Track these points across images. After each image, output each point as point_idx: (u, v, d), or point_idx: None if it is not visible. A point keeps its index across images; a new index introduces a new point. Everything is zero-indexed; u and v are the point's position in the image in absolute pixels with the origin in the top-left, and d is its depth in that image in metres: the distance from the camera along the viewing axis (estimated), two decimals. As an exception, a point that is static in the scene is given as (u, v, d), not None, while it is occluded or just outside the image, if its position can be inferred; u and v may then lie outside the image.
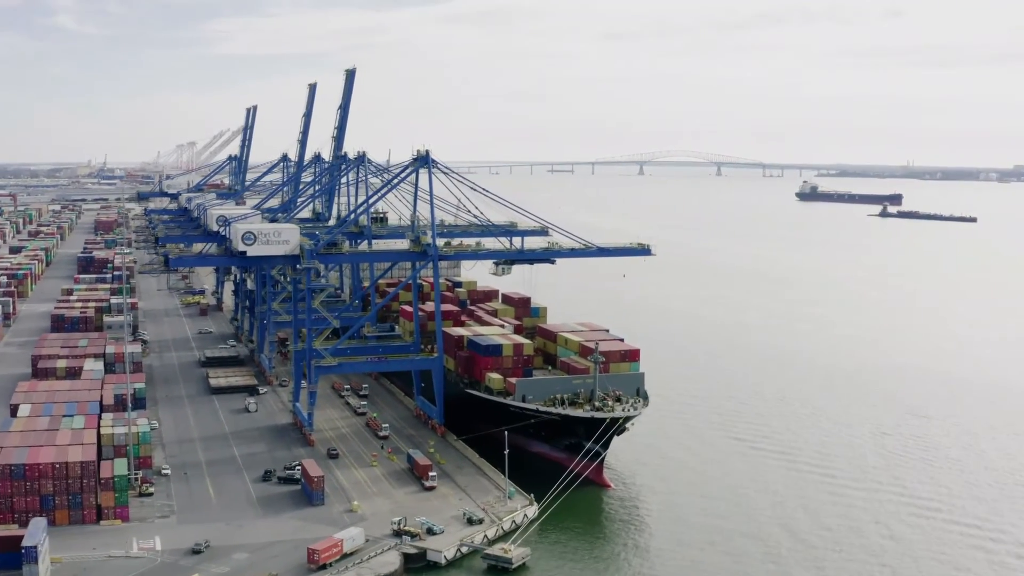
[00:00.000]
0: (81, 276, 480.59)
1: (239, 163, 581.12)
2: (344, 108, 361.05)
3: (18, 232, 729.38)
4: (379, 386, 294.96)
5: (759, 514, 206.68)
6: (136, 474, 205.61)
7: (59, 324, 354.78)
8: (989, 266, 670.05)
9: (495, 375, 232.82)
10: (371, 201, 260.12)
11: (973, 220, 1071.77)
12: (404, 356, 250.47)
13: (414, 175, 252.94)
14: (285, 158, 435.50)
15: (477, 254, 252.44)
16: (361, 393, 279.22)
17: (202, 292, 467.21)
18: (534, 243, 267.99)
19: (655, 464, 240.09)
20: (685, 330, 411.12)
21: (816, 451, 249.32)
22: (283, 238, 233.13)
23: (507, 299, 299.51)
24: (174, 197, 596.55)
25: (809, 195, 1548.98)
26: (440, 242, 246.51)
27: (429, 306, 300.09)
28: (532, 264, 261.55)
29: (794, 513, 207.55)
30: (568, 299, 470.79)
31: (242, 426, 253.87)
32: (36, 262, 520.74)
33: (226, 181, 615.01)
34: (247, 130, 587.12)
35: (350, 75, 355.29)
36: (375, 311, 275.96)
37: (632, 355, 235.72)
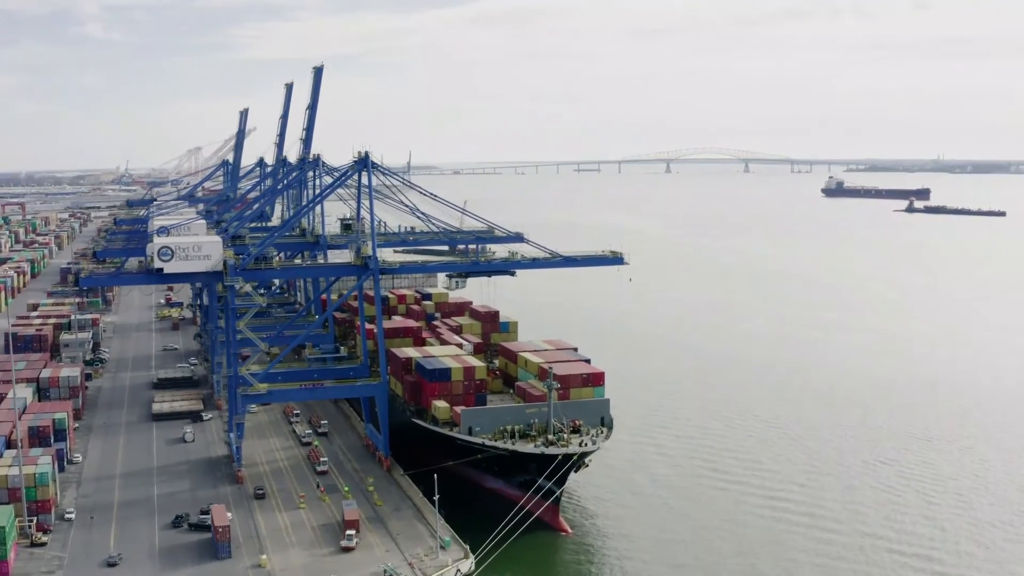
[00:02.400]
0: (55, 290, 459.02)
1: (231, 168, 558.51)
2: (312, 108, 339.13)
3: (17, 242, 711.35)
4: (338, 410, 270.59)
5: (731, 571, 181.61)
6: (30, 521, 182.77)
7: (14, 343, 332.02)
8: (1016, 264, 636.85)
9: (441, 403, 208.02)
10: (306, 208, 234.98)
11: (1002, 214, 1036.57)
12: (344, 381, 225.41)
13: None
14: (261, 162, 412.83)
15: (426, 267, 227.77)
16: (321, 430, 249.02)
17: (180, 305, 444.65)
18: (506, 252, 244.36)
19: (622, 503, 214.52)
20: (680, 341, 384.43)
21: (803, 487, 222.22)
22: (203, 253, 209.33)
23: (474, 313, 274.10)
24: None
25: (834, 191, 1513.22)
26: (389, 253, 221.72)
27: (396, 321, 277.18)
28: (490, 276, 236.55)
29: (771, 571, 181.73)
30: (557, 309, 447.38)
31: (173, 459, 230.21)
32: (17, 274, 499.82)
33: (219, 187, 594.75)
34: (240, 134, 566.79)
35: (317, 73, 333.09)
36: (308, 331, 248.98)
37: (596, 379, 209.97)
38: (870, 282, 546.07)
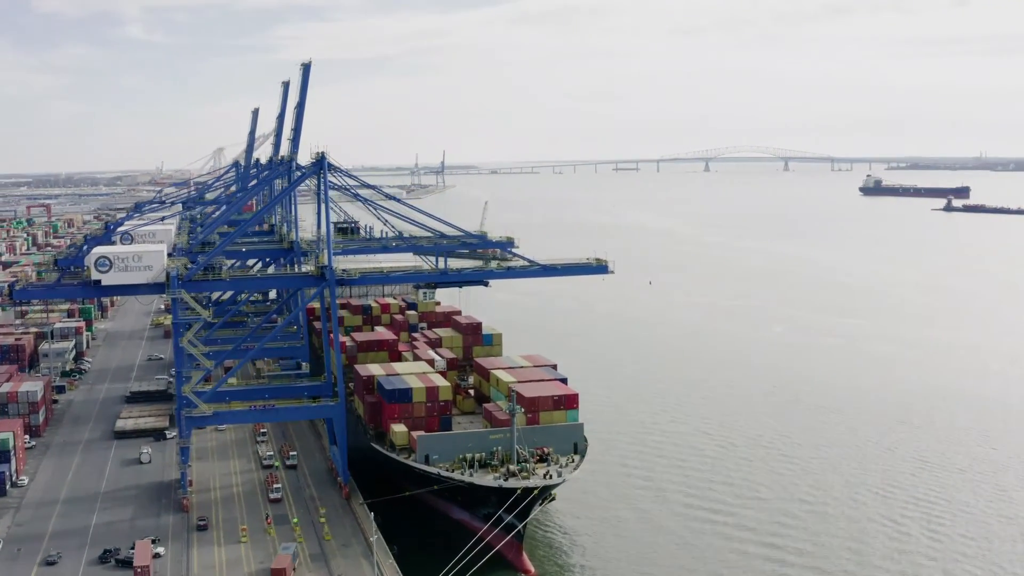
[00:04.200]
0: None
1: (242, 169, 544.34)
2: (300, 107, 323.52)
3: (34, 244, 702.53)
4: (311, 430, 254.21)
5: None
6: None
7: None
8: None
9: (400, 427, 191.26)
10: (264, 211, 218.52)
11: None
12: (298, 402, 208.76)
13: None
14: (236, 164, 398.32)
15: (388, 276, 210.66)
16: (289, 461, 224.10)
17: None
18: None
19: (597, 540, 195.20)
20: (691, 349, 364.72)
21: (801, 522, 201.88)
22: (144, 263, 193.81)
23: (455, 324, 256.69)
24: (188, 205, 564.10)
25: (872, 189, 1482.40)
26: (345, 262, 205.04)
27: (371, 333, 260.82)
28: (461, 287, 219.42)
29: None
30: (564, 316, 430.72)
31: (123, 483, 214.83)
32: (18, 279, 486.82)
33: (232, 188, 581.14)
34: (251, 134, 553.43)
35: (305, 70, 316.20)
36: (261, 344, 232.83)
37: (569, 401, 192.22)
38: (900, 286, 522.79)
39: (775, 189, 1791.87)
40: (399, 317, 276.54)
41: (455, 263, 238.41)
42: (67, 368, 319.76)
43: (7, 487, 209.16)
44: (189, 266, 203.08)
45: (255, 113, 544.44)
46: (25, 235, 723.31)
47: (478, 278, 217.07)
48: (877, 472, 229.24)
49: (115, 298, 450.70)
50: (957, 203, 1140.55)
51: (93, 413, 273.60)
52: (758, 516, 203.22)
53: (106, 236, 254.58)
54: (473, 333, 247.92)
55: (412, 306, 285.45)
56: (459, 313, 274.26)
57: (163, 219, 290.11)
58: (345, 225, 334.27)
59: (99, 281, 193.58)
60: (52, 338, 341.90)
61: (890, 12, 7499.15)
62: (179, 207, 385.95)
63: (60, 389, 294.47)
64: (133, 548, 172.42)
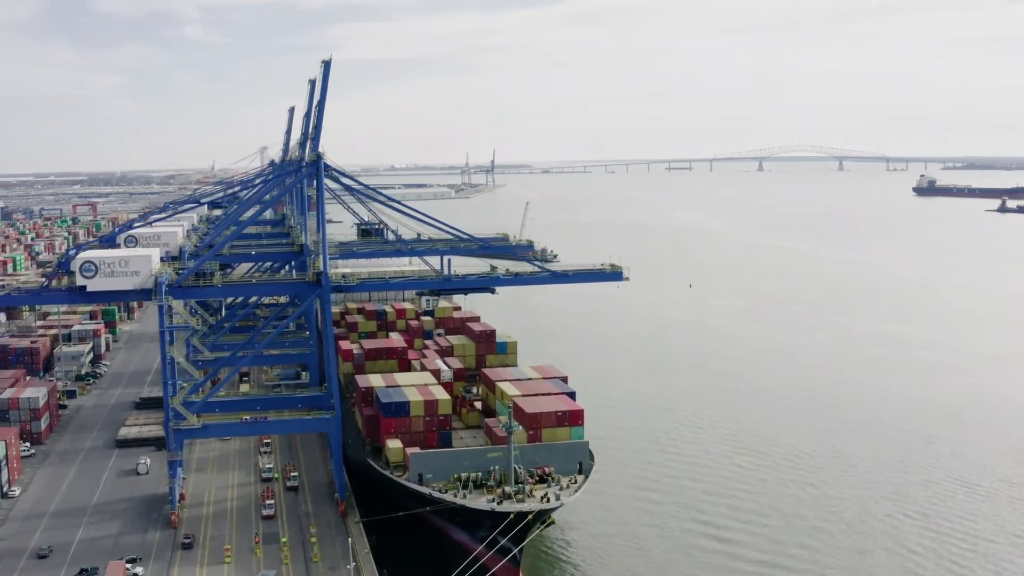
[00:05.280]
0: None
1: (278, 168, 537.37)
2: (320, 104, 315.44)
3: (75, 243, 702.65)
4: (319, 440, 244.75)
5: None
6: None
7: (3, 356, 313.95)
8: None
9: (395, 443, 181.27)
10: (254, 217, 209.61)
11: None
12: (292, 414, 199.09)
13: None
14: (273, 163, 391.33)
15: (389, 283, 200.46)
16: (290, 483, 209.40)
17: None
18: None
19: (602, 564, 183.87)
20: (725, 357, 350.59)
21: (811, 553, 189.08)
22: (131, 268, 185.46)
23: (469, 331, 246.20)
24: (212, 206, 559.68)
25: (926, 189, 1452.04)
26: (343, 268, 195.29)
27: (390, 339, 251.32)
28: (467, 294, 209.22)
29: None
30: (589, 320, 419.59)
31: (116, 495, 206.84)
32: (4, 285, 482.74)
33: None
34: (287, 134, 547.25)
35: (326, 67, 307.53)
36: (257, 350, 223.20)
37: (573, 417, 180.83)
38: (948, 290, 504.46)
39: (827, 189, 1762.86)
40: (414, 323, 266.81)
41: (475, 266, 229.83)
42: (82, 372, 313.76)
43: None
44: (181, 271, 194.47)
45: (291, 111, 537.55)
46: (67, 234, 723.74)
47: (484, 285, 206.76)
48: (920, 501, 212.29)
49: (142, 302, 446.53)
50: (1012, 204, 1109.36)
51: (100, 420, 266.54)
52: (777, 549, 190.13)
53: (111, 237, 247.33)
54: (487, 341, 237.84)
55: (429, 312, 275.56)
56: (477, 319, 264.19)
57: (166, 218, 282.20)
58: (368, 227, 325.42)
59: (84, 287, 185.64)
60: (70, 341, 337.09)
61: (943, 10, 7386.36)
62: (201, 208, 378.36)
63: (71, 394, 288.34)
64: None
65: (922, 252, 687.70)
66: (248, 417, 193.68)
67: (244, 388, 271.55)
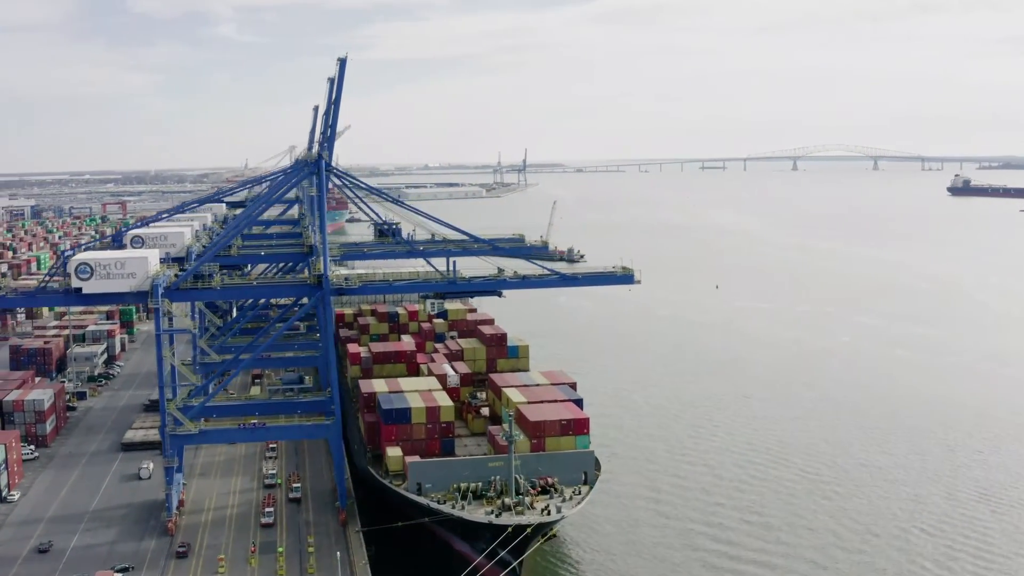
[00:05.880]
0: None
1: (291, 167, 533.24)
2: (335, 103, 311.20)
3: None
4: (325, 445, 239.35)
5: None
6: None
7: (16, 357, 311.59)
8: None
9: (395, 450, 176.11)
10: (255, 216, 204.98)
11: None
12: (291, 420, 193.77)
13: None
14: (297, 162, 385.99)
15: (392, 286, 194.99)
16: (292, 494, 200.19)
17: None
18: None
19: None
20: (741, 361, 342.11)
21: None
22: (127, 270, 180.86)
23: (480, 334, 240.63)
24: (232, 206, 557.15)
25: (961, 189, 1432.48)
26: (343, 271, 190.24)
27: (400, 342, 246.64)
28: (472, 297, 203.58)
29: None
30: (609, 322, 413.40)
31: (116, 501, 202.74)
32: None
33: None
34: (311, 133, 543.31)
35: (341, 65, 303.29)
36: (257, 353, 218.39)
37: (578, 426, 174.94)
38: (981, 291, 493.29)
39: (862, 189, 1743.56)
40: (426, 325, 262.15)
41: (483, 268, 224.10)
42: (95, 373, 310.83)
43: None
44: (181, 272, 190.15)
45: (315, 110, 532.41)
46: (94, 232, 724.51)
47: (490, 288, 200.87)
48: (959, 526, 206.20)
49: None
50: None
51: (108, 422, 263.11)
52: (797, 567, 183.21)
53: (118, 237, 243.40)
54: (497, 344, 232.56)
55: (442, 314, 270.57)
56: (491, 322, 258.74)
57: (169, 216, 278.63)
58: (385, 227, 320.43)
59: (80, 289, 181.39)
60: (84, 341, 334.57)
61: (983, 10, 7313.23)
62: (221, 207, 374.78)
63: (82, 395, 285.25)
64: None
65: (955, 252, 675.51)
66: (245, 422, 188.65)
67: (255, 391, 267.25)
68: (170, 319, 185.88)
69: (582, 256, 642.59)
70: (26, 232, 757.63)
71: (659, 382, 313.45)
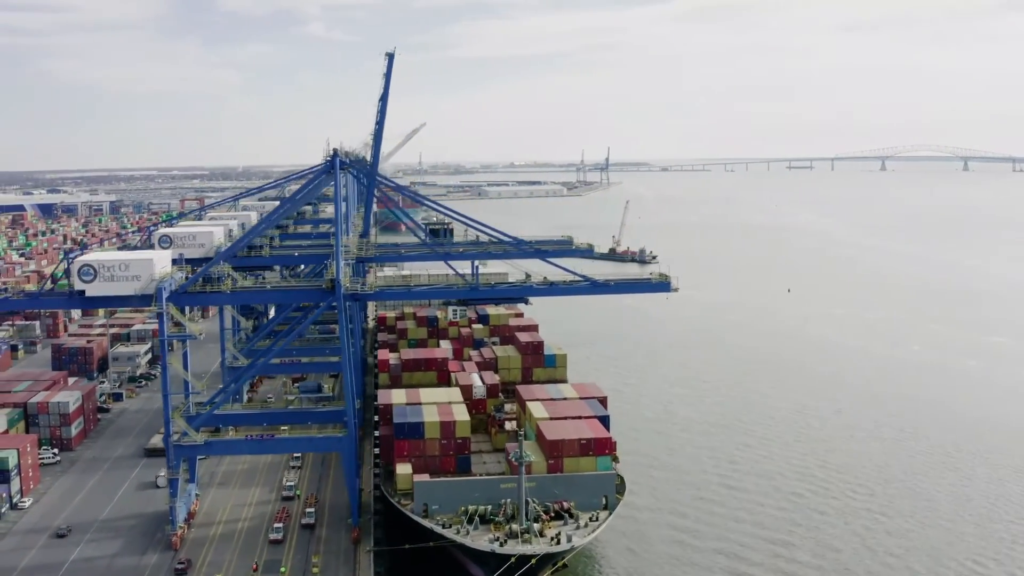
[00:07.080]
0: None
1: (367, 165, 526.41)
2: (383, 100, 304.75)
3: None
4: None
5: None
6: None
7: (59, 357, 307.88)
8: None
9: (404, 468, 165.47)
10: (273, 218, 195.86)
11: None
12: (304, 431, 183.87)
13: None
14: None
15: (411, 291, 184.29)
16: (305, 520, 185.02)
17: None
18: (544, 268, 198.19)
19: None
20: (804, 372, 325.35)
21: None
22: (131, 273, 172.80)
23: (516, 341, 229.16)
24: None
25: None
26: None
27: (434, 349, 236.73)
28: (497, 304, 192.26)
29: None
30: (668, 327, 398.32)
31: (128, 510, 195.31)
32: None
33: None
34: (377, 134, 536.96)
35: (389, 60, 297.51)
36: (268, 359, 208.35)
37: (599, 446, 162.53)
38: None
39: (949, 190, 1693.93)
40: (466, 330, 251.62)
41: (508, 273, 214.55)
42: (137, 373, 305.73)
43: (2, 510, 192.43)
44: (189, 275, 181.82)
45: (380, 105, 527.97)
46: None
47: (516, 294, 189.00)
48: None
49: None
50: None
51: (139, 426, 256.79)
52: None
53: (148, 235, 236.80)
54: (533, 353, 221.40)
55: (483, 318, 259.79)
56: (535, 328, 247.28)
57: (197, 212, 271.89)
58: (438, 227, 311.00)
59: (83, 292, 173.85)
60: (128, 340, 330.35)
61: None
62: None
63: (118, 396, 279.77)
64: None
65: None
66: (254, 434, 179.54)
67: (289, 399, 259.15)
68: (175, 323, 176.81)
69: (654, 257, 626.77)
70: (100, 227, 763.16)
71: (712, 393, 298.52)
